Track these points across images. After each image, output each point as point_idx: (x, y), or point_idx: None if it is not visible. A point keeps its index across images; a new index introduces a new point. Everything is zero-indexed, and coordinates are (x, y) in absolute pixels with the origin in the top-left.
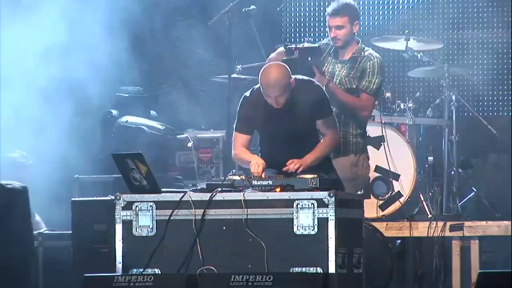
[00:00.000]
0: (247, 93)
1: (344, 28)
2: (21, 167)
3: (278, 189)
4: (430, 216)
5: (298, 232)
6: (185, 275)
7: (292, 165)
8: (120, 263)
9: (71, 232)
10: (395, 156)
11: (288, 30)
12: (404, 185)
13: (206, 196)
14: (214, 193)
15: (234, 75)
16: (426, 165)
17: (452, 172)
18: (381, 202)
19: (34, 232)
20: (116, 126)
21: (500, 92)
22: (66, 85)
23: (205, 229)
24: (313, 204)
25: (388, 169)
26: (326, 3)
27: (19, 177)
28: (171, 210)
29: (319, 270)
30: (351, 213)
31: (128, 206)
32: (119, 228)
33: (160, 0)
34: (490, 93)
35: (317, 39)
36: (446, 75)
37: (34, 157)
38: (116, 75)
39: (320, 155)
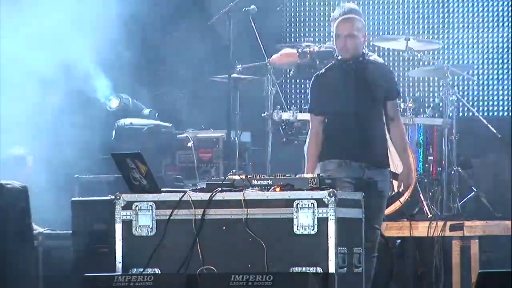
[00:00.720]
0: (319, 72)
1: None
2: (21, 163)
3: (278, 189)
4: (430, 216)
5: (298, 232)
6: (185, 275)
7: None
8: (120, 263)
9: (71, 232)
10: (395, 156)
11: (288, 30)
12: None
13: (206, 196)
14: (214, 193)
15: (234, 75)
16: (426, 165)
17: (452, 172)
18: None
19: (34, 232)
20: (119, 128)
21: (500, 92)
22: (66, 85)
23: (205, 229)
24: (313, 204)
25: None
26: (326, 3)
27: (19, 172)
28: (171, 210)
29: (319, 270)
30: (351, 212)
31: (128, 206)
32: (119, 228)
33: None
34: (490, 93)
35: (317, 39)
36: (446, 75)
37: (34, 157)
38: (116, 75)
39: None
